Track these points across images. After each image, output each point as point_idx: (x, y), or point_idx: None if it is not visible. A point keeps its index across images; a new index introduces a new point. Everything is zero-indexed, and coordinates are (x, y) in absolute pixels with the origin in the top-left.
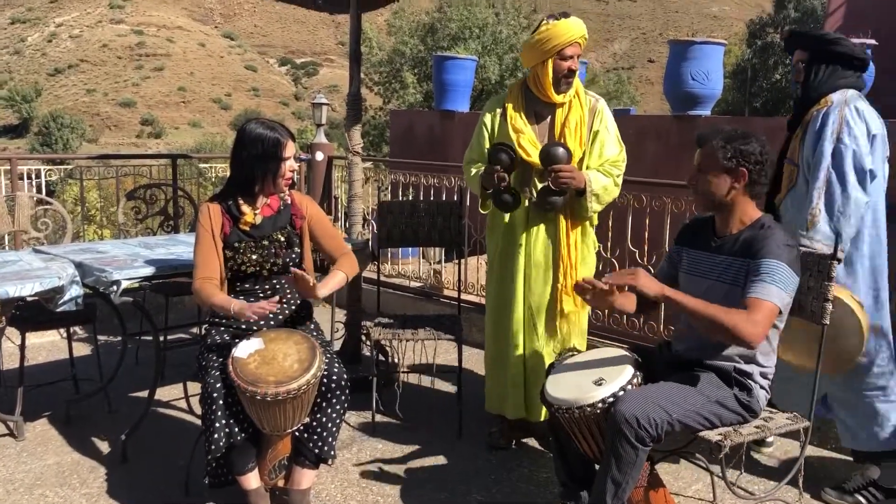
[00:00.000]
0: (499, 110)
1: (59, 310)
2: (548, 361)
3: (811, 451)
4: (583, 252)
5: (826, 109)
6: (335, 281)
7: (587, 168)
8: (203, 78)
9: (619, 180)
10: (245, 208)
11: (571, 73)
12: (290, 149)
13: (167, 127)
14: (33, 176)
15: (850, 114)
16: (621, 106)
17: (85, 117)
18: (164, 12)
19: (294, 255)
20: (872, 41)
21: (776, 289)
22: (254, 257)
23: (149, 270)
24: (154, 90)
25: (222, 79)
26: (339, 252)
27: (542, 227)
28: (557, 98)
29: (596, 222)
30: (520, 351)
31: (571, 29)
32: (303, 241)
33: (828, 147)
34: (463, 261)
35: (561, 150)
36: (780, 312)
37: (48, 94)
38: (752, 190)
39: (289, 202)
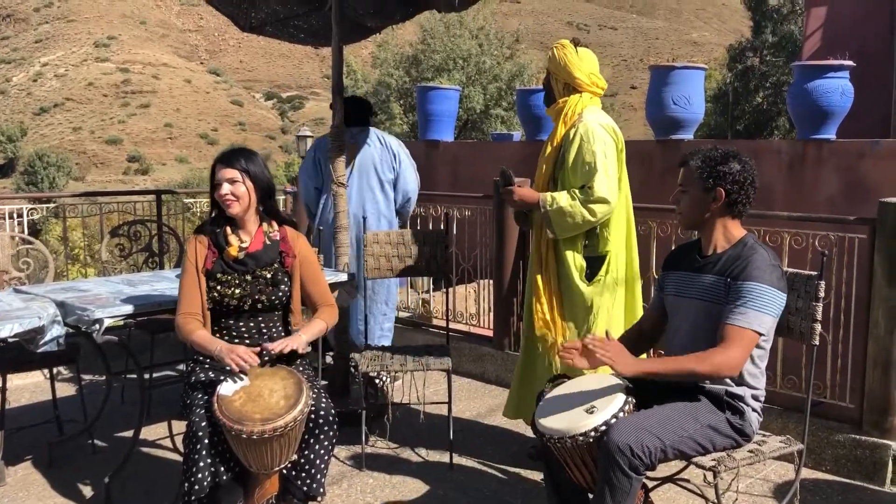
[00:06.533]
0: None
1: (40, 350)
2: (533, 381)
3: (806, 473)
4: (570, 282)
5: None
6: (316, 329)
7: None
8: (189, 114)
9: (598, 208)
10: (232, 238)
11: (541, 89)
12: (225, 173)
13: (154, 163)
14: (16, 215)
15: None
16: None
17: (71, 155)
18: (150, 49)
19: (280, 294)
20: (850, 63)
21: (755, 314)
22: (237, 291)
23: (131, 308)
24: (140, 127)
25: (208, 114)
26: (322, 301)
27: (534, 249)
28: (550, 113)
29: (606, 252)
30: (520, 362)
31: None
32: (292, 280)
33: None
34: (451, 290)
35: (501, 171)
36: (764, 335)
37: (34, 133)
38: (733, 210)
39: (277, 239)
